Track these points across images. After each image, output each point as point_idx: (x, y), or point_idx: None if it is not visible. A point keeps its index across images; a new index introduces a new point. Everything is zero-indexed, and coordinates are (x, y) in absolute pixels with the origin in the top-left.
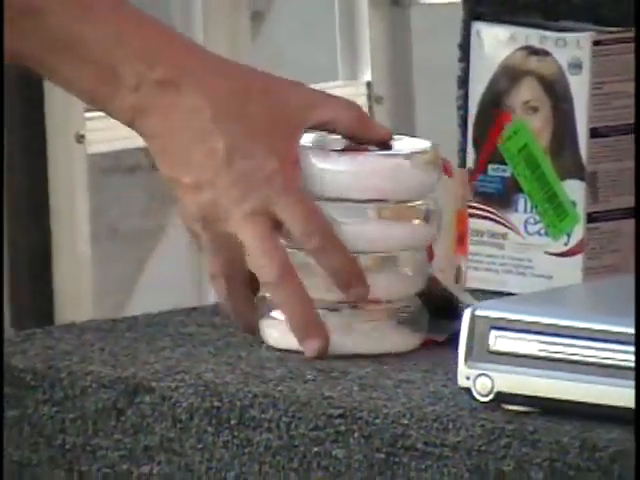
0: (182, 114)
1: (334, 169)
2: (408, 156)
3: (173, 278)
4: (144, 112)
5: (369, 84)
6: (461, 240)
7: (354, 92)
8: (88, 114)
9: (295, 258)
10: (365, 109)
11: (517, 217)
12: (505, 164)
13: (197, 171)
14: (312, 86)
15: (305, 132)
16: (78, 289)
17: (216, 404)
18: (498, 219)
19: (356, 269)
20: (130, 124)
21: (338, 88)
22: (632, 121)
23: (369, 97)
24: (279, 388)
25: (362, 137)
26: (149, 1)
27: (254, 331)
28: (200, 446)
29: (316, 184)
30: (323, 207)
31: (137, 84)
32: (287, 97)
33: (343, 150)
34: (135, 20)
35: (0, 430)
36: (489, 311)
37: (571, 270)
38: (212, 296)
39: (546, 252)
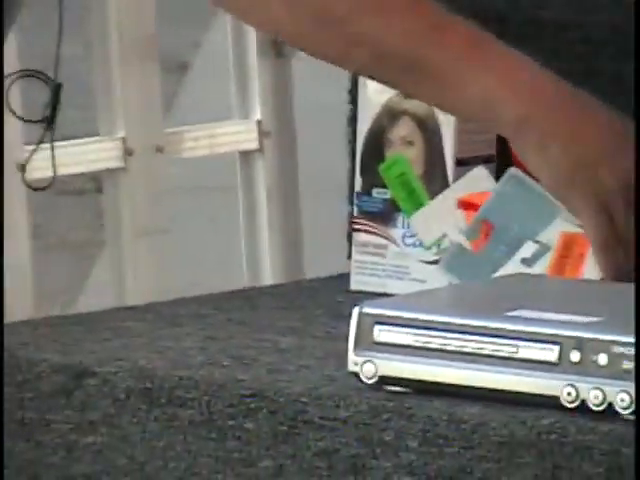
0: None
1: None
2: None
3: (114, 283)
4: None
5: (259, 122)
6: None
7: (246, 128)
8: (27, 147)
9: None
10: (256, 143)
11: (396, 232)
12: (386, 188)
13: (614, 157)
14: (216, 122)
15: None
16: (21, 297)
17: (148, 386)
18: (380, 233)
19: None
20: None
21: (234, 125)
22: (491, 152)
23: (259, 132)
24: (200, 372)
25: None
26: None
27: None
28: (135, 420)
29: None
30: None
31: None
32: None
33: None
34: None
35: (0, 429)
36: (374, 309)
37: (441, 275)
38: (146, 296)
39: (420, 260)
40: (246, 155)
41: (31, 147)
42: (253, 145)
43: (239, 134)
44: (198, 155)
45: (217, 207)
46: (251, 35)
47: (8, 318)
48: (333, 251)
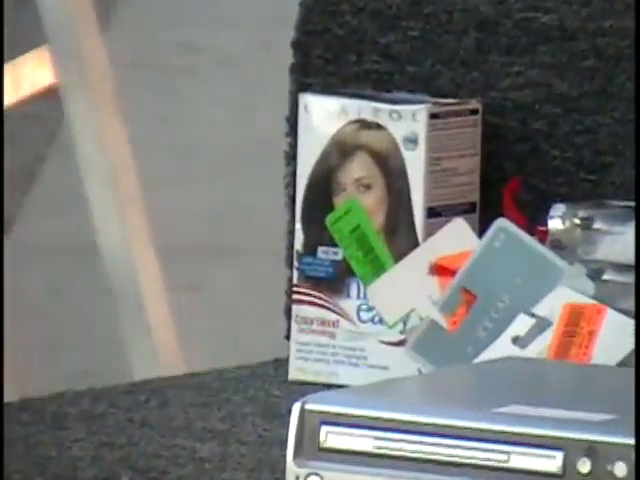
0: None
1: None
2: None
3: None
4: None
5: None
6: None
7: None
8: None
9: None
10: None
11: (349, 303)
12: (336, 246)
13: None
14: None
15: None
16: None
17: None
18: (329, 305)
19: None
20: None
21: None
22: (472, 199)
23: None
24: None
25: None
26: None
27: None
28: None
29: None
30: None
31: None
32: None
33: None
34: None
35: (0, 431)
36: (319, 405)
37: (408, 360)
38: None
39: (381, 341)
40: None
41: None
42: None
43: None
44: None
45: None
46: None
47: None
48: (267, 330)
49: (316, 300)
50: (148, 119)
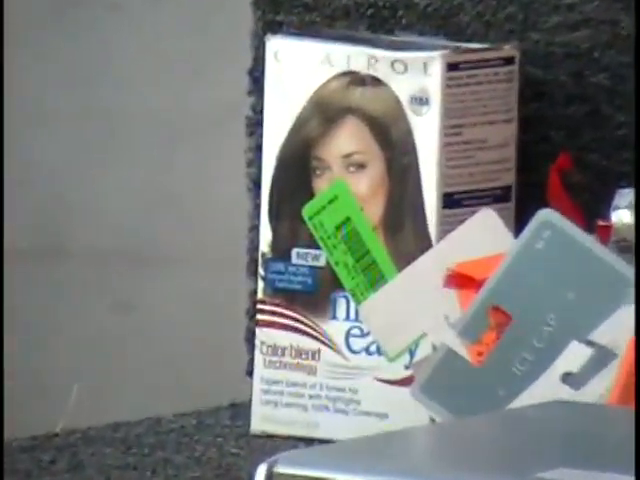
0: None
1: None
2: None
3: None
4: None
5: None
6: None
7: None
8: None
9: None
10: None
11: (335, 326)
12: (317, 248)
13: None
14: None
15: None
16: None
17: None
18: (307, 329)
19: None
20: None
21: None
22: (506, 183)
23: None
24: None
25: None
26: None
27: None
28: None
29: None
30: None
31: None
32: None
33: None
34: None
35: (0, 431)
36: (293, 467)
37: (415, 405)
38: None
39: (378, 379)
40: None
41: None
42: None
43: None
44: None
45: None
46: None
47: None
48: (221, 363)
49: (289, 322)
50: (54, 72)
